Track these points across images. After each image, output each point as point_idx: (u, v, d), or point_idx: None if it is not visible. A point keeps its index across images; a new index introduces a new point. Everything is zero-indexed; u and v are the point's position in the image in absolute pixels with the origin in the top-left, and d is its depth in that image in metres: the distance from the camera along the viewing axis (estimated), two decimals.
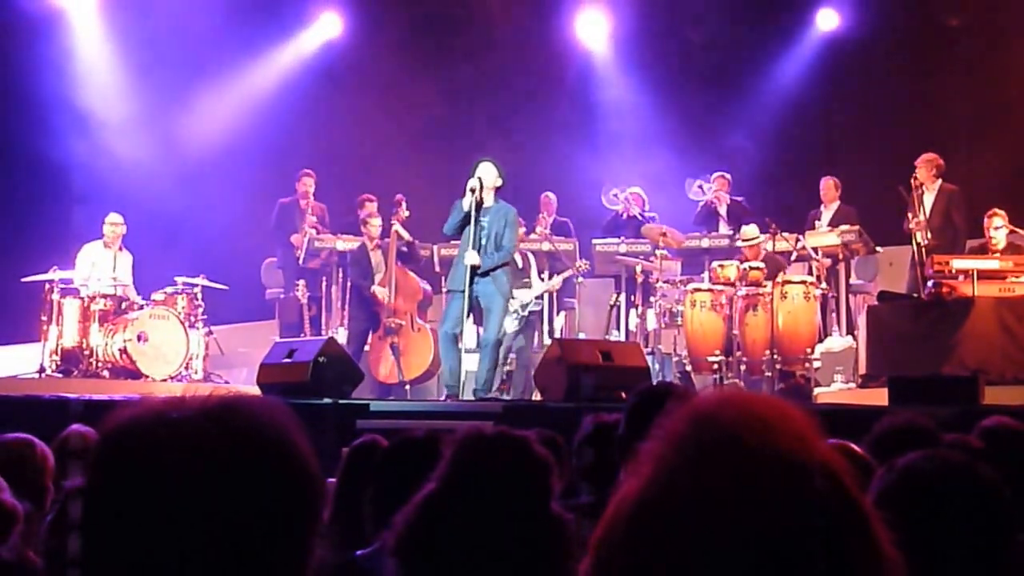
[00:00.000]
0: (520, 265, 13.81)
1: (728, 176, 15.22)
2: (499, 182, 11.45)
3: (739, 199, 15.14)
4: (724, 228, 14.92)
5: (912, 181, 13.34)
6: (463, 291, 11.23)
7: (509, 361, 13.54)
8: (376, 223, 14.12)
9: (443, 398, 11.89)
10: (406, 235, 13.93)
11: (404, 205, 13.87)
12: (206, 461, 1.59)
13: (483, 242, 11.36)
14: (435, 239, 14.19)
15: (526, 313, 13.67)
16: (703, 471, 1.42)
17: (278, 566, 1.62)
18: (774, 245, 13.76)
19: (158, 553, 1.56)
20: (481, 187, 11.31)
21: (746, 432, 1.43)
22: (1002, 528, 2.80)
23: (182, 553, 1.55)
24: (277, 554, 1.62)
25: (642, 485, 1.46)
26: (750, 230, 13.73)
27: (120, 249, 13.78)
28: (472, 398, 11.38)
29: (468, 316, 11.49)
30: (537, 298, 13.80)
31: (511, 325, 13.43)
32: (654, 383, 9.48)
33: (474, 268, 11.25)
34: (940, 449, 3.22)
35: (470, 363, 12.17)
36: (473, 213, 11.27)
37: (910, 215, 13.15)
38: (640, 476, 1.47)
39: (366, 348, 13.82)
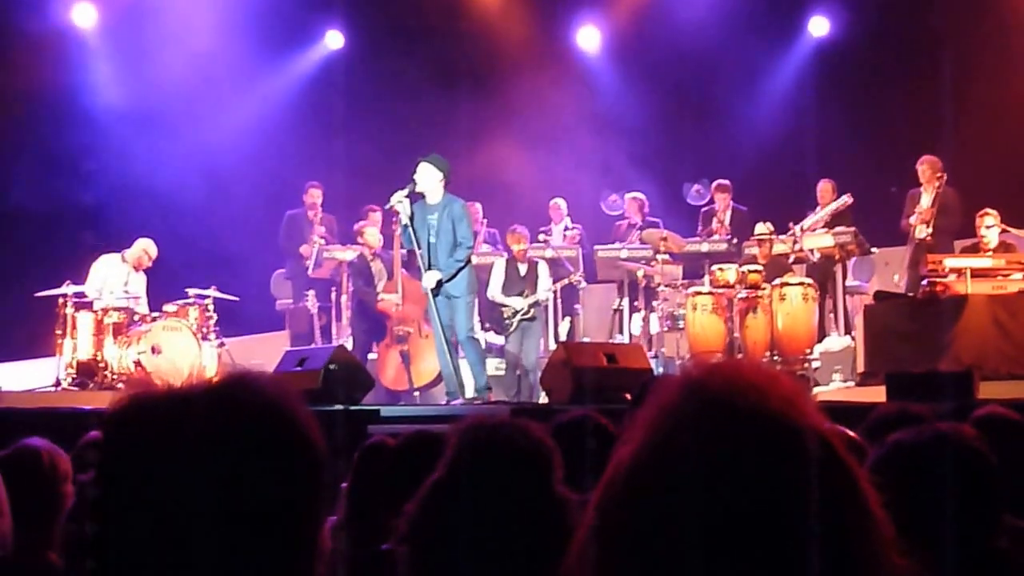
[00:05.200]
0: (522, 273, 14.03)
1: (729, 184, 15.37)
2: (439, 175, 11.67)
3: (743, 208, 15.31)
4: (716, 232, 15.11)
5: (921, 178, 13.60)
6: (434, 295, 11.63)
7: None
8: (372, 232, 14.28)
9: (443, 401, 12.13)
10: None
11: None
12: (213, 430, 1.62)
13: (432, 240, 11.63)
14: None
15: (516, 321, 13.88)
16: (696, 433, 1.42)
17: (289, 532, 1.66)
18: (771, 248, 13.95)
19: (170, 523, 1.59)
20: (411, 195, 11.64)
21: (737, 396, 1.44)
22: (988, 492, 2.95)
23: (194, 522, 1.59)
24: (285, 519, 1.66)
25: (636, 449, 1.46)
26: (762, 226, 13.98)
27: (137, 270, 13.95)
28: (480, 399, 11.61)
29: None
30: (532, 305, 14.01)
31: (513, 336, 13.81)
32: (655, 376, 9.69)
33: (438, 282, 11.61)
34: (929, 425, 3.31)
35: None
36: (408, 220, 11.64)
37: (916, 211, 13.43)
38: (634, 441, 1.47)
39: (372, 356, 13.93)
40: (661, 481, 1.43)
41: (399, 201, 11.63)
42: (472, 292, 11.94)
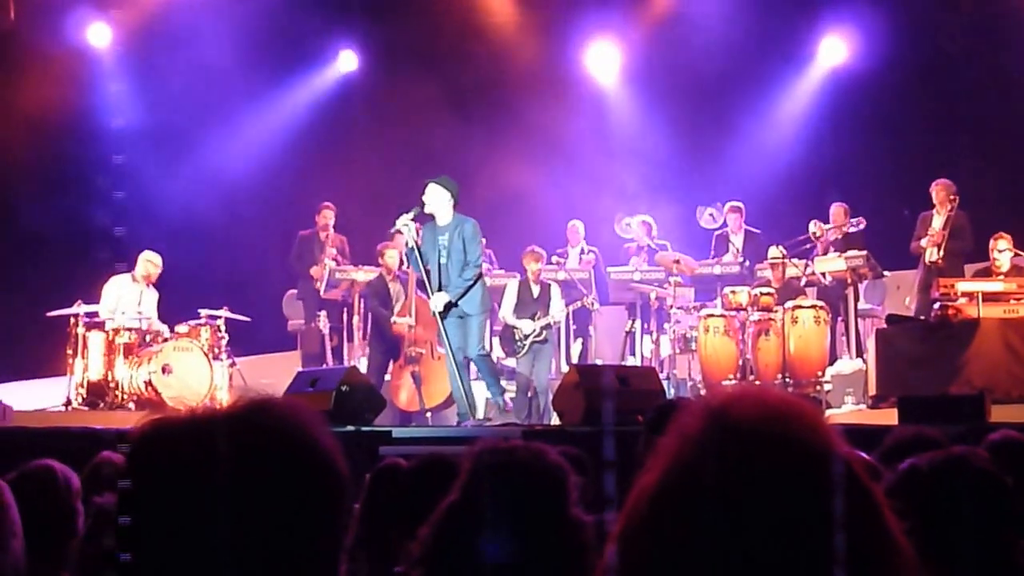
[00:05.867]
0: (535, 295, 14.03)
1: (742, 206, 15.42)
2: (448, 196, 11.71)
3: (756, 231, 15.32)
4: (729, 256, 15.10)
5: (934, 200, 13.62)
6: (443, 316, 11.64)
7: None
8: (392, 254, 14.25)
9: (455, 423, 12.13)
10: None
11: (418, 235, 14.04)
12: (233, 459, 1.63)
13: (442, 261, 11.67)
14: None
15: (528, 343, 13.88)
16: (720, 461, 1.43)
17: (310, 555, 1.67)
18: (784, 271, 13.96)
19: (192, 547, 1.61)
20: (419, 217, 11.66)
21: (760, 422, 1.45)
22: (1006, 515, 2.95)
23: (217, 546, 1.60)
24: (308, 544, 1.66)
25: (660, 477, 1.48)
26: (775, 250, 14.00)
27: (148, 286, 13.93)
28: (492, 421, 11.62)
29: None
30: (544, 327, 14.00)
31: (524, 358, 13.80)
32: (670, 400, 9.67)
33: (447, 304, 11.61)
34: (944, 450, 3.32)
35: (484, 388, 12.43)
36: (416, 240, 11.66)
37: (927, 233, 13.43)
38: (657, 469, 1.49)
39: (387, 377, 13.92)
40: (685, 509, 1.44)
41: (404, 224, 11.66)
42: (485, 311, 11.98)
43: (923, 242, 13.74)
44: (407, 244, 11.84)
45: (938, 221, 13.75)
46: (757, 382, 12.87)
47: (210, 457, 1.63)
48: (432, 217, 11.76)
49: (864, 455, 3.96)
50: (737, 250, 15.14)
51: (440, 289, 11.67)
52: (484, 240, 14.88)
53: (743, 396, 1.51)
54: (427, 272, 11.71)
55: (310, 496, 1.68)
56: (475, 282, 11.73)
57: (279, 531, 1.64)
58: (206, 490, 1.62)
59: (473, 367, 12.25)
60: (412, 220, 11.65)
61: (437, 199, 11.69)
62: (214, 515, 1.60)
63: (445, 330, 11.64)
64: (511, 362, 14.23)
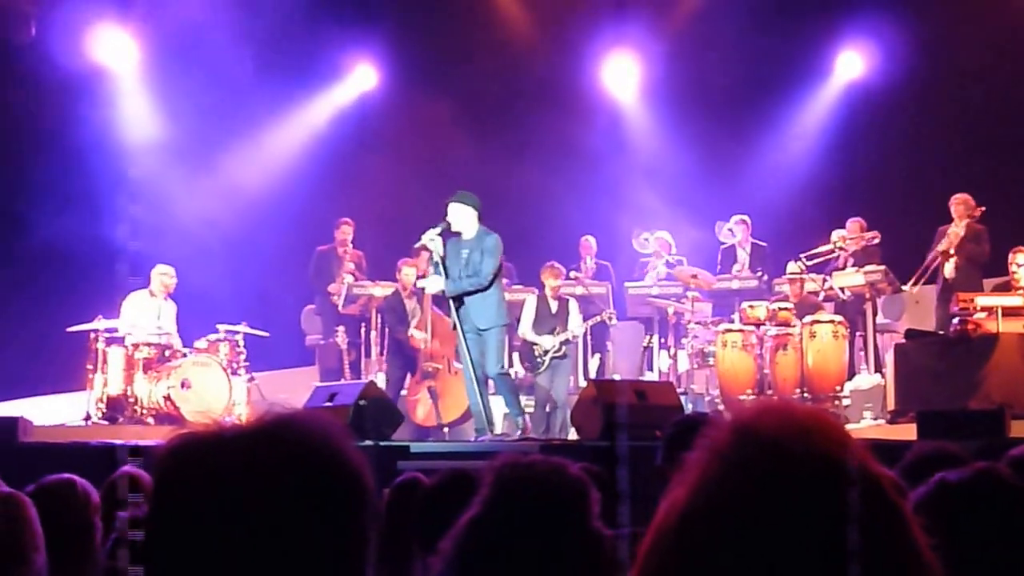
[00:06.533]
0: (554, 310, 14.03)
1: (748, 219, 15.41)
2: (472, 211, 11.63)
3: (763, 244, 15.31)
4: (737, 268, 15.09)
5: (953, 214, 13.58)
6: (464, 330, 11.56)
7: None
8: (409, 271, 14.27)
9: (472, 437, 12.12)
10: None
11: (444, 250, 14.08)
12: (261, 473, 1.62)
13: (463, 275, 11.59)
14: None
15: (548, 359, 13.87)
16: (748, 476, 1.44)
17: (337, 570, 1.67)
18: (802, 286, 13.95)
19: (219, 563, 1.60)
20: (445, 235, 11.62)
21: (787, 438, 1.46)
22: None
23: (244, 562, 1.59)
24: (336, 557, 1.66)
25: (689, 492, 1.48)
26: (793, 265, 13.98)
27: (165, 299, 14.00)
28: (509, 436, 11.61)
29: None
30: (563, 343, 13.98)
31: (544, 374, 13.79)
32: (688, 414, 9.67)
33: (454, 299, 11.53)
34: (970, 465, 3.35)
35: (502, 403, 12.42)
36: (441, 254, 11.60)
37: (944, 244, 13.40)
38: (686, 484, 1.49)
39: (403, 392, 13.91)
40: (715, 524, 1.44)
41: (431, 239, 11.62)
42: (501, 324, 11.80)
43: (939, 247, 13.60)
44: (431, 259, 11.81)
45: (955, 231, 13.68)
46: (775, 397, 12.82)
47: (237, 471, 1.62)
48: (457, 233, 11.74)
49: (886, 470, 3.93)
50: (746, 259, 15.12)
51: (459, 305, 11.61)
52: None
53: (769, 411, 1.51)
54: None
55: (337, 510, 1.67)
56: (480, 290, 11.61)
57: (307, 546, 1.63)
58: (233, 504, 1.61)
59: (491, 382, 12.23)
60: (438, 235, 11.63)
61: (462, 216, 11.62)
62: (241, 529, 1.59)
63: (467, 343, 11.58)
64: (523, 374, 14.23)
